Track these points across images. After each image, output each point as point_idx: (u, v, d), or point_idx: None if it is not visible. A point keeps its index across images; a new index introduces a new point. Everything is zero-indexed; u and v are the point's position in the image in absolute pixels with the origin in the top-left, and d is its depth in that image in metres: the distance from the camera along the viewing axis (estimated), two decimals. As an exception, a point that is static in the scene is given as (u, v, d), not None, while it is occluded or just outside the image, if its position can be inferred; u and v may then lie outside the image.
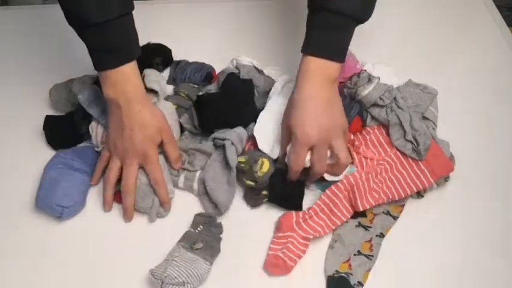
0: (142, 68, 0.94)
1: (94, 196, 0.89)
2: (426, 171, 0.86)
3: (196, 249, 0.79)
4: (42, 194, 0.84)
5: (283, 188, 0.86)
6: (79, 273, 0.80)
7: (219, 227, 0.84)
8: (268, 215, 0.86)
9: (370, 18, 0.84)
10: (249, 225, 0.85)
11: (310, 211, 0.84)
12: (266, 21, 1.16)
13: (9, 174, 0.92)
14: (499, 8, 1.20)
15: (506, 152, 0.95)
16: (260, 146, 0.88)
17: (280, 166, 0.87)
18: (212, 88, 0.98)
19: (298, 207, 0.86)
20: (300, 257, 0.81)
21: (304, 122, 0.80)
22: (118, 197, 0.87)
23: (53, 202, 0.83)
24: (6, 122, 1.00)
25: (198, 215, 0.84)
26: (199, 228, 0.82)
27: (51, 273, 0.80)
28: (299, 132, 0.80)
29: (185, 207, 0.87)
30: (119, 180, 0.85)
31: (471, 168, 0.91)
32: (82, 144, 0.93)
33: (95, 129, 0.90)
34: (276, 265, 0.80)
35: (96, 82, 0.93)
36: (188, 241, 0.80)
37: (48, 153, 0.90)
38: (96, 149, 0.91)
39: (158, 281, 0.75)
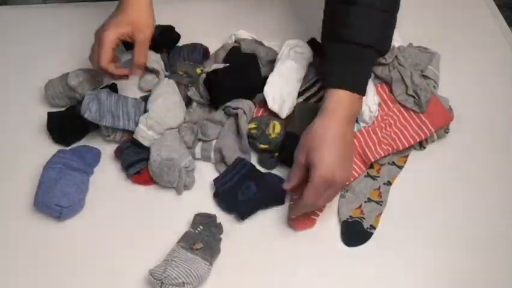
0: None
1: (93, 196, 0.86)
2: (427, 121, 0.88)
3: (196, 249, 0.76)
4: (41, 193, 0.82)
5: (293, 149, 0.83)
6: (78, 273, 0.78)
7: (219, 227, 0.80)
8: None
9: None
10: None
11: None
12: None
13: (8, 174, 0.90)
14: (499, 8, 1.15)
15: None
16: (270, 105, 0.90)
17: (289, 129, 0.88)
18: (209, 64, 0.98)
19: None
20: (321, 210, 0.83)
21: (333, 161, 0.73)
22: (137, 178, 0.85)
23: (51, 202, 0.81)
24: (5, 121, 0.97)
25: (197, 215, 0.81)
26: (199, 228, 0.79)
27: (51, 274, 0.78)
28: (325, 170, 0.72)
29: (186, 207, 0.84)
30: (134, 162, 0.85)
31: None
32: (84, 142, 0.91)
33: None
34: (300, 220, 0.81)
35: (88, 79, 0.93)
36: (188, 241, 0.77)
37: (48, 152, 0.87)
38: (107, 138, 0.89)
39: (157, 282, 0.73)
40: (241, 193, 0.82)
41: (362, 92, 0.79)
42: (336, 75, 0.78)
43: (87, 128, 0.92)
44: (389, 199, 0.84)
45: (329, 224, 0.83)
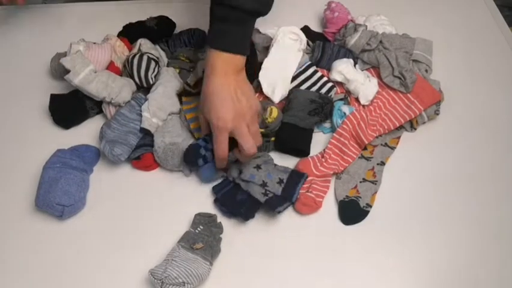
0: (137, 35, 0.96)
1: (93, 195, 0.82)
2: (416, 101, 0.88)
3: (197, 249, 0.72)
4: (42, 193, 0.77)
5: (290, 140, 0.85)
6: (79, 273, 0.74)
7: (219, 227, 0.76)
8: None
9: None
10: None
11: (324, 155, 0.84)
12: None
13: (9, 173, 0.85)
14: (499, 8, 1.12)
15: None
16: (264, 89, 0.88)
17: (287, 120, 0.85)
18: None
19: (306, 154, 0.85)
20: (325, 192, 0.81)
21: (218, 110, 0.75)
22: (137, 163, 0.84)
23: (53, 201, 0.76)
24: (5, 122, 0.92)
25: (198, 215, 0.76)
26: (199, 228, 0.75)
27: (52, 273, 0.74)
28: (215, 120, 0.75)
29: (186, 207, 0.80)
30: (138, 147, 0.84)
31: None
32: (84, 126, 0.90)
33: (108, 108, 0.88)
34: (306, 204, 0.79)
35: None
36: (188, 241, 0.73)
37: (48, 152, 0.83)
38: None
39: (158, 281, 0.68)
40: (240, 194, 0.79)
41: (238, 52, 0.77)
42: (212, 36, 0.78)
43: (87, 112, 0.89)
44: (383, 179, 0.83)
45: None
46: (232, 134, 0.76)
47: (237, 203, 0.78)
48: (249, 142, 0.76)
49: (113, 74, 0.89)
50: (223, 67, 0.77)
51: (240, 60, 0.78)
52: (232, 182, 0.81)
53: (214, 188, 0.81)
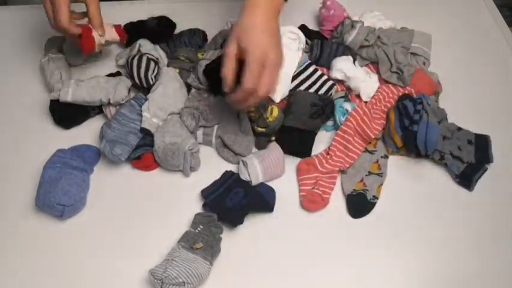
0: (137, 34, 0.97)
1: (94, 194, 0.81)
2: (413, 91, 0.90)
3: (196, 249, 0.72)
4: (42, 193, 0.76)
5: (292, 141, 0.85)
6: (79, 273, 0.74)
7: (219, 227, 0.75)
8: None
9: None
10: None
11: (330, 152, 0.84)
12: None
13: (9, 173, 0.85)
14: (499, 8, 1.12)
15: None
16: None
17: (289, 124, 0.85)
18: (208, 48, 0.97)
19: (307, 155, 0.85)
20: (332, 189, 0.81)
21: (264, 42, 0.72)
22: (137, 163, 0.83)
23: (53, 201, 0.75)
24: (5, 122, 0.92)
25: (198, 215, 0.76)
26: (199, 228, 0.75)
27: (52, 273, 0.74)
28: (257, 51, 0.72)
29: (186, 207, 0.79)
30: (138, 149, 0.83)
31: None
32: (84, 127, 0.89)
33: (108, 108, 0.88)
34: (313, 201, 0.79)
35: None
36: (188, 241, 0.72)
37: (48, 152, 0.83)
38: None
39: (158, 281, 0.67)
40: (230, 199, 0.78)
41: None
42: None
43: (88, 112, 0.89)
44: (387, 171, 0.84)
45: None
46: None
47: (227, 209, 0.77)
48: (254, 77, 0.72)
49: (103, 76, 0.90)
50: (269, 4, 0.75)
51: (281, 3, 0.77)
52: (222, 187, 0.80)
53: (202, 192, 0.80)
